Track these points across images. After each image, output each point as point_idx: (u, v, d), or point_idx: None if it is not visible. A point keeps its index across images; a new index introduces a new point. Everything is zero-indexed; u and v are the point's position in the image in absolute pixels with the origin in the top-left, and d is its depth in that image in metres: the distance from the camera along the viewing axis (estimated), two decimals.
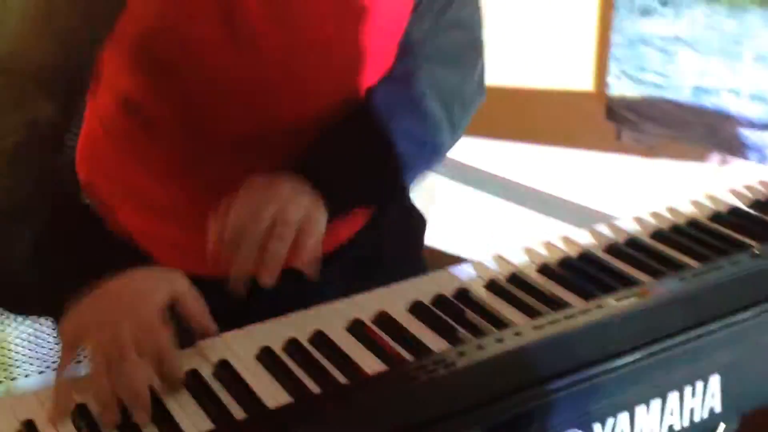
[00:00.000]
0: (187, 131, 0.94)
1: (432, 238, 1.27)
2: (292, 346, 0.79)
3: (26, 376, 1.88)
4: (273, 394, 0.73)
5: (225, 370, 0.75)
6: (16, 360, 1.87)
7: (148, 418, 0.69)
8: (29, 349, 1.88)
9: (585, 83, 1.81)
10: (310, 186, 0.87)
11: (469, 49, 1.04)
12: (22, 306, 0.87)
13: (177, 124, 0.93)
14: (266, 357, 0.77)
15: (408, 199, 1.13)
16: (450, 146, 1.02)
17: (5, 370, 1.87)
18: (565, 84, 1.85)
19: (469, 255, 1.70)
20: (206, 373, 0.75)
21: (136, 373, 0.70)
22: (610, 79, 1.75)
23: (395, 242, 1.09)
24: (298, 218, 0.84)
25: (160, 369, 0.73)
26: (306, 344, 0.79)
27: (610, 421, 0.71)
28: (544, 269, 0.89)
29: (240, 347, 0.78)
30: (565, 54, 1.83)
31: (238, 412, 0.71)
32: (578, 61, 1.82)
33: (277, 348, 0.78)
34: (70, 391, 0.73)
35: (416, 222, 1.16)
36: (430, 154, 1.00)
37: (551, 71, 1.87)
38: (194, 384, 0.74)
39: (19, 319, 1.84)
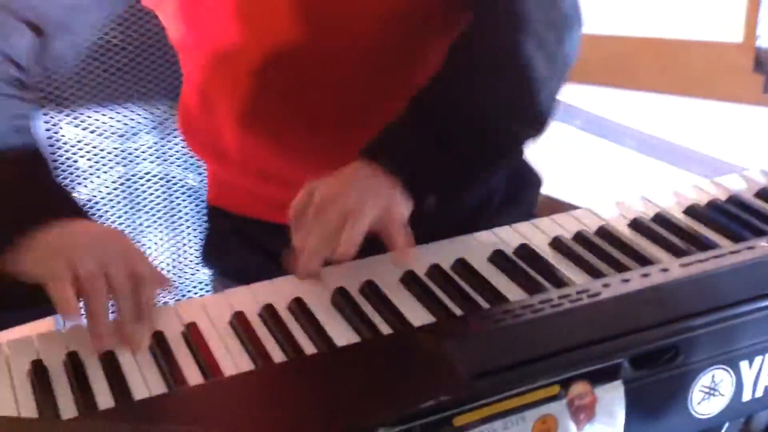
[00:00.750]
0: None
1: (566, 192, 1.26)
2: (435, 271, 0.80)
3: (163, 303, 1.97)
4: (419, 315, 0.75)
5: (371, 288, 0.78)
6: None
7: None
8: (169, 277, 1.96)
9: (734, 35, 1.74)
10: (391, 177, 0.84)
11: None
12: None
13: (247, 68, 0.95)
14: (410, 281, 0.79)
15: (519, 160, 1.08)
16: (559, 80, 0.93)
17: None
18: (713, 35, 1.78)
19: None
20: (353, 290, 0.78)
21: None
22: (761, 30, 1.68)
23: (503, 203, 1.06)
24: (374, 213, 0.80)
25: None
26: (449, 271, 0.81)
27: (757, 359, 0.70)
28: (691, 211, 0.87)
29: (386, 269, 0.81)
30: (714, 4, 1.77)
31: (383, 327, 0.73)
32: (728, 12, 1.75)
33: (420, 273, 0.80)
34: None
35: (528, 183, 1.11)
36: (534, 101, 0.92)
37: (699, 22, 1.80)
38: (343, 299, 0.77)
39: (159, 246, 1.92)
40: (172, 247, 1.93)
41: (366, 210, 0.80)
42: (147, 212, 1.89)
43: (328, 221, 0.80)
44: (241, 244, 1.08)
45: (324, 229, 0.79)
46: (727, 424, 0.75)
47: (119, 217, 1.86)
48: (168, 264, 1.94)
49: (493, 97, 0.89)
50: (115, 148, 1.82)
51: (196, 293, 1.98)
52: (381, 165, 0.84)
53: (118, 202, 1.87)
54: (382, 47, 0.94)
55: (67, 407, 0.64)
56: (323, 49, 0.93)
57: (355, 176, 0.84)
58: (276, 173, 1.00)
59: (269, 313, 0.74)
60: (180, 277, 1.96)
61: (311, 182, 0.84)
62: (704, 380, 0.69)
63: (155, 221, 1.90)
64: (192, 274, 1.97)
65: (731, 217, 0.85)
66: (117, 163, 1.84)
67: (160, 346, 0.70)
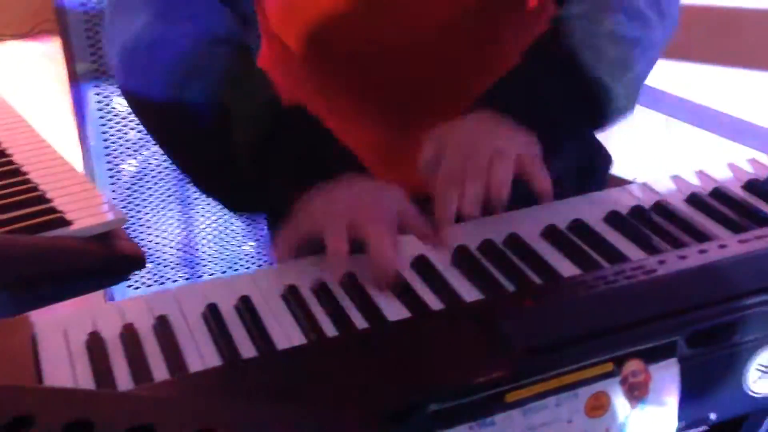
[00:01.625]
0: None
1: (621, 167, 1.24)
2: (485, 247, 0.80)
3: (211, 275, 2.00)
4: (468, 291, 0.74)
5: (423, 263, 0.78)
6: (202, 260, 1.99)
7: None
8: (215, 249, 1.98)
9: None
10: (517, 123, 0.86)
11: None
12: (241, 199, 0.91)
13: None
14: (462, 257, 0.79)
15: (593, 137, 1.09)
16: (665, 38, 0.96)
17: (192, 268, 1.99)
18: (766, 3, 1.74)
19: None
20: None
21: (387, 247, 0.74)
22: None
23: (574, 180, 1.06)
24: (516, 153, 0.82)
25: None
26: (501, 246, 0.80)
27: None
28: (751, 186, 0.85)
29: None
30: None
31: (435, 304, 0.73)
32: None
33: (472, 248, 0.80)
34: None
35: (601, 160, 1.12)
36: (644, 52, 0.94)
37: None
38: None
39: (207, 219, 1.94)
40: (219, 219, 1.95)
41: (510, 149, 0.80)
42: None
43: (477, 163, 0.79)
44: None
45: (475, 171, 0.79)
46: None
47: (168, 189, 1.89)
48: (215, 236, 1.96)
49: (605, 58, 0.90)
50: None
51: (242, 266, 2.00)
52: (509, 112, 0.85)
53: (168, 174, 1.89)
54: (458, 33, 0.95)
55: (124, 379, 0.65)
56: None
57: (486, 121, 0.85)
58: None
59: (322, 289, 0.74)
60: (226, 249, 1.98)
61: (434, 132, 0.84)
62: (761, 359, 0.68)
63: (202, 193, 1.93)
64: (239, 246, 1.99)
65: None
66: None
67: (214, 318, 0.70)
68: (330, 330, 0.69)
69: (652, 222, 0.81)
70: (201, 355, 0.66)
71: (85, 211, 0.84)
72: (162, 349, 0.67)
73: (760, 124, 1.78)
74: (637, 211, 0.83)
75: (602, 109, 0.91)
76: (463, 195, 0.80)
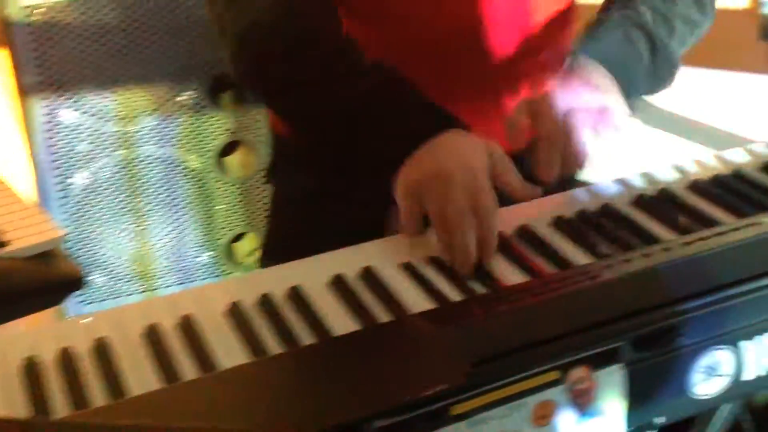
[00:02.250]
0: None
1: None
2: (433, 260, 0.79)
3: (168, 287, 1.97)
4: (416, 301, 0.74)
5: (370, 275, 0.77)
6: (158, 272, 1.96)
7: (471, 273, 0.76)
8: (171, 261, 1.96)
9: (739, 1, 1.72)
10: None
11: None
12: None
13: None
14: (408, 268, 0.78)
15: None
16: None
17: (148, 281, 1.96)
18: (718, 2, 1.75)
19: None
20: (350, 276, 0.77)
21: (468, 240, 0.76)
22: None
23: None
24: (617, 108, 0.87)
25: (481, 230, 0.78)
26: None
27: (758, 339, 0.69)
28: (695, 186, 0.86)
29: (380, 256, 0.79)
30: None
31: (382, 316, 0.72)
32: None
33: (418, 260, 0.79)
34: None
35: None
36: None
37: None
38: None
39: (162, 230, 1.92)
40: (174, 231, 1.92)
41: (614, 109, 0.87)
42: (148, 195, 1.89)
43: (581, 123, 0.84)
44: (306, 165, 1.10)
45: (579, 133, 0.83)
46: (728, 405, 0.74)
47: (120, 201, 1.86)
48: (170, 248, 1.94)
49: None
50: (116, 132, 1.81)
51: (199, 277, 1.98)
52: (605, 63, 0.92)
53: (120, 186, 1.86)
54: None
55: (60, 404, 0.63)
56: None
57: (585, 75, 0.90)
58: None
59: (267, 304, 0.73)
60: (182, 260, 1.96)
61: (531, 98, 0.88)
62: (705, 361, 0.68)
63: (157, 204, 1.90)
64: (195, 257, 1.97)
65: (735, 192, 0.84)
66: (118, 146, 1.83)
67: (154, 338, 0.69)
68: (274, 347, 0.68)
69: (599, 225, 0.81)
70: (142, 377, 0.65)
71: (23, 231, 0.82)
72: (101, 373, 0.66)
73: (709, 123, 1.80)
74: (583, 215, 0.83)
75: (667, 76, 1.01)
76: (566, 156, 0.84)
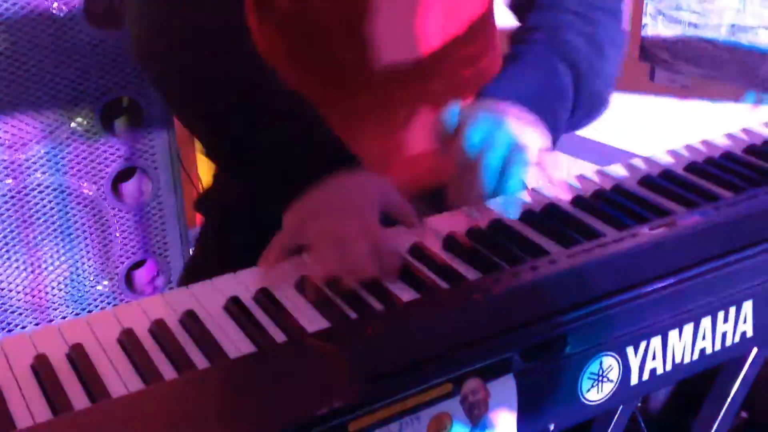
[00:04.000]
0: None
1: None
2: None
3: (63, 317, 1.92)
4: (311, 320, 0.74)
5: (265, 296, 0.77)
6: (53, 303, 1.91)
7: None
8: (67, 291, 1.91)
9: None
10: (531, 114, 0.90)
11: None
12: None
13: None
14: (306, 286, 0.79)
15: None
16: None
17: (42, 312, 1.91)
18: None
19: None
20: (247, 298, 0.77)
21: (363, 256, 0.77)
22: (646, 19, 1.73)
23: None
24: (535, 144, 0.87)
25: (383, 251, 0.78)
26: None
27: (642, 344, 0.72)
28: (578, 201, 0.89)
29: (280, 278, 0.80)
30: None
31: (278, 335, 0.72)
32: None
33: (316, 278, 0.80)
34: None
35: None
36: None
37: None
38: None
39: (56, 260, 1.87)
40: (69, 260, 1.88)
41: (533, 143, 0.86)
42: (41, 225, 1.84)
43: (495, 153, 0.84)
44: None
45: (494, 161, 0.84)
46: (620, 408, 0.77)
47: (11, 231, 1.80)
48: (65, 277, 1.89)
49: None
50: (4, 160, 1.76)
51: (96, 306, 1.93)
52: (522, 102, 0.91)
53: (10, 216, 1.81)
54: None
55: None
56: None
57: (506, 108, 0.89)
58: None
59: (161, 329, 0.72)
60: (79, 290, 1.91)
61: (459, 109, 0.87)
62: (592, 367, 0.71)
63: (50, 233, 1.85)
64: (92, 287, 1.92)
65: (616, 205, 0.88)
66: (6, 175, 1.78)
67: (44, 368, 0.67)
68: (169, 372, 0.68)
69: (488, 240, 0.84)
70: (29, 409, 0.64)
71: None
72: None
73: (594, 139, 1.87)
74: (475, 231, 0.86)
75: (595, 109, 1.02)
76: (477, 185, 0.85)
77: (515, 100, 0.91)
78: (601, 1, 1.00)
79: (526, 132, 0.88)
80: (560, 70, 0.96)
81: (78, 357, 0.68)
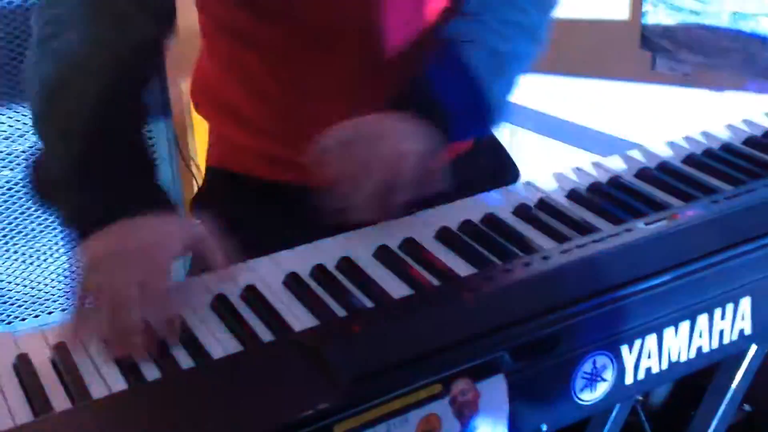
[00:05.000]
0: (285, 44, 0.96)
1: None
2: (318, 271, 0.79)
3: (63, 310, 1.91)
4: (299, 318, 0.73)
5: (252, 293, 0.76)
6: (52, 295, 1.90)
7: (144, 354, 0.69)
8: (66, 284, 1.90)
9: (620, 12, 1.77)
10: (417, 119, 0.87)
11: None
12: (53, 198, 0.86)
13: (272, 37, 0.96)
14: (293, 282, 0.77)
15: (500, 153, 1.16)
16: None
17: (42, 304, 1.90)
18: (600, 13, 1.81)
19: None
20: (233, 296, 0.76)
21: (130, 320, 0.70)
22: (646, 7, 1.71)
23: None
24: (417, 149, 0.83)
25: (161, 314, 0.72)
26: (333, 270, 0.79)
27: (637, 343, 0.71)
28: (573, 195, 0.88)
29: (268, 273, 0.78)
30: None
31: (265, 334, 0.71)
32: None
33: (304, 274, 0.79)
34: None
35: (509, 172, 1.15)
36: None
37: (587, 1, 1.83)
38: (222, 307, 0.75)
39: (54, 252, 1.86)
40: (68, 252, 1.87)
41: (413, 149, 0.83)
42: (39, 216, 1.83)
43: (380, 163, 0.81)
44: (235, 201, 1.07)
45: (379, 172, 0.81)
46: (620, 408, 0.76)
47: (9, 223, 1.80)
48: (65, 269, 1.88)
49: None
50: (2, 151, 1.75)
51: None
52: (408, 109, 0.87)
53: (8, 208, 1.80)
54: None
55: None
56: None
57: (388, 117, 0.86)
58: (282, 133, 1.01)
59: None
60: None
61: (334, 128, 0.84)
62: (586, 367, 0.69)
63: (48, 225, 1.84)
64: None
65: (612, 199, 0.86)
66: (4, 166, 1.77)
67: (26, 370, 0.66)
68: (153, 373, 0.66)
69: (482, 236, 0.82)
70: (10, 410, 0.62)
71: None
72: None
73: (595, 129, 1.85)
74: (468, 225, 0.84)
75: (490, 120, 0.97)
76: (362, 195, 0.80)
77: (415, 107, 0.88)
78: (518, 19, 0.98)
79: (406, 141, 0.84)
80: (461, 78, 0.93)
81: (61, 358, 0.67)
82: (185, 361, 0.68)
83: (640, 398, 0.84)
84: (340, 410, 0.60)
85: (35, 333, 0.70)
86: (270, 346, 0.69)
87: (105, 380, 0.66)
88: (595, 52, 1.84)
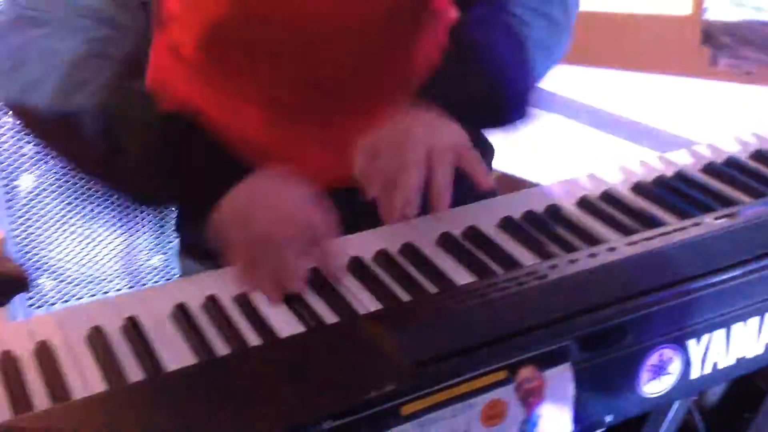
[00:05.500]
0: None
1: (519, 169, 1.25)
2: (381, 256, 0.79)
3: (118, 290, 1.94)
4: (363, 301, 0.73)
5: (316, 276, 0.76)
6: (108, 275, 1.93)
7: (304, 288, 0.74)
8: (121, 264, 1.93)
9: (682, 7, 1.75)
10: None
11: None
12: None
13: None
14: (357, 266, 0.78)
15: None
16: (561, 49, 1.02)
17: (98, 284, 1.93)
18: (661, 8, 1.78)
19: None
20: None
21: (287, 262, 0.74)
22: (708, 2, 1.69)
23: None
24: (453, 142, 0.83)
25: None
26: (395, 255, 0.80)
27: (705, 337, 0.70)
28: (639, 188, 0.87)
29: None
30: None
31: (329, 317, 0.72)
32: None
33: (368, 258, 0.79)
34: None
35: (486, 149, 1.14)
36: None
37: None
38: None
39: (111, 233, 1.89)
40: (125, 234, 1.89)
41: (447, 144, 0.82)
42: (96, 198, 1.86)
43: (415, 162, 0.80)
44: None
45: (413, 171, 0.80)
46: (677, 403, 0.75)
47: (68, 204, 1.83)
48: (120, 251, 1.91)
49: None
50: None
51: (150, 280, 1.95)
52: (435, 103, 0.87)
53: (67, 189, 1.83)
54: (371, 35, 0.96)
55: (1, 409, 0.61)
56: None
57: (416, 116, 0.86)
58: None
59: (213, 306, 0.72)
60: (133, 264, 1.93)
61: (366, 140, 0.84)
62: (652, 359, 0.69)
63: (105, 207, 1.87)
64: (146, 260, 1.94)
65: (678, 193, 0.85)
66: None
67: (99, 340, 0.68)
68: (221, 349, 0.67)
69: (545, 226, 0.82)
70: (84, 379, 0.64)
71: None
72: (43, 375, 0.64)
73: (653, 125, 1.83)
74: (530, 215, 0.84)
75: (518, 113, 0.97)
76: (402, 196, 0.80)
77: (441, 101, 0.88)
78: (539, 6, 0.98)
79: (440, 135, 0.84)
80: (488, 68, 0.93)
81: (131, 329, 0.69)
82: (252, 338, 0.69)
83: (695, 398, 0.83)
84: (407, 392, 0.61)
85: (106, 303, 0.72)
86: (335, 327, 0.70)
87: (178, 353, 0.67)
88: (655, 47, 1.82)
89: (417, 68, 0.96)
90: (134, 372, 0.65)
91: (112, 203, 1.85)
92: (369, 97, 0.97)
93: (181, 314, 0.71)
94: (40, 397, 0.62)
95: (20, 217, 1.77)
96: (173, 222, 1.90)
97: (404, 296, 0.74)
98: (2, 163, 1.75)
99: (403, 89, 0.94)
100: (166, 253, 1.98)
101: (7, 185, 1.74)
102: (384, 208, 0.81)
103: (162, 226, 1.91)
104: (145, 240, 1.91)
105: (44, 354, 0.66)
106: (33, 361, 0.66)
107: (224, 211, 0.81)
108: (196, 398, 0.61)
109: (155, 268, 1.96)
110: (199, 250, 1.06)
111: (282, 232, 0.77)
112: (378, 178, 0.82)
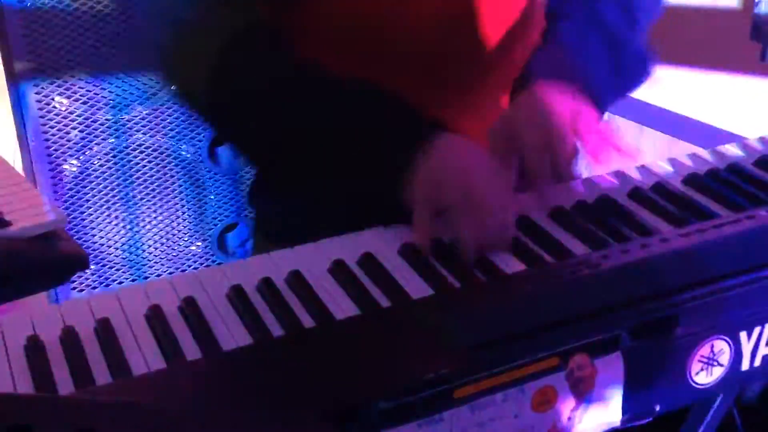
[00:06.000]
0: None
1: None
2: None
3: (158, 276, 1.97)
4: (415, 287, 0.74)
5: (369, 261, 0.77)
6: (148, 261, 1.96)
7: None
8: (161, 250, 1.96)
9: (732, 1, 1.73)
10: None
11: None
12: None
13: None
14: (410, 252, 0.79)
15: None
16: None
17: (139, 269, 1.96)
18: (711, 2, 1.77)
19: None
20: (351, 262, 0.77)
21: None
22: None
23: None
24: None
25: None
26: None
27: (756, 330, 0.70)
28: (691, 180, 0.87)
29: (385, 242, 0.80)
30: None
31: (382, 300, 0.72)
32: None
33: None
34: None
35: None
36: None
37: None
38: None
39: (152, 219, 1.92)
40: (166, 219, 1.92)
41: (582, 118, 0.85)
42: (140, 184, 1.89)
43: (559, 131, 0.83)
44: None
45: (561, 138, 0.83)
46: (720, 397, 0.75)
47: (112, 189, 1.86)
48: (161, 236, 1.94)
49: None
50: (108, 120, 1.81)
51: (189, 266, 1.98)
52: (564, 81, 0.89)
53: (111, 174, 1.86)
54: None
55: (64, 382, 0.63)
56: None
57: (548, 93, 0.87)
58: None
59: (268, 288, 0.73)
60: (173, 249, 1.96)
61: (499, 120, 0.87)
62: (703, 350, 0.69)
63: (148, 193, 1.90)
64: (186, 246, 1.96)
65: (731, 186, 0.85)
66: (109, 134, 1.83)
67: (158, 319, 0.69)
68: (276, 330, 0.69)
69: (596, 216, 0.82)
70: (144, 357, 0.65)
71: (25, 212, 0.82)
72: (104, 352, 0.66)
73: (701, 121, 1.81)
74: (581, 206, 0.84)
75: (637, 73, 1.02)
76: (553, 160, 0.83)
77: (558, 77, 0.89)
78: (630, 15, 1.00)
79: (577, 101, 0.86)
80: (598, 40, 0.96)
81: (189, 309, 0.70)
82: (307, 320, 0.70)
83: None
84: (460, 376, 0.61)
85: (164, 283, 0.73)
86: (389, 311, 0.70)
87: (232, 334, 0.68)
88: (703, 41, 1.80)
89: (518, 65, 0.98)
90: (191, 350, 0.66)
91: (155, 189, 1.88)
92: (481, 93, 0.99)
93: (237, 295, 0.72)
94: (101, 373, 0.64)
95: (65, 201, 1.80)
96: (212, 209, 1.92)
97: (455, 283, 0.74)
98: (49, 147, 1.79)
99: (505, 86, 0.97)
100: (205, 240, 2.00)
101: (54, 169, 1.78)
102: (540, 172, 0.83)
103: (202, 213, 1.94)
104: (185, 226, 1.94)
105: (105, 331, 0.68)
106: (94, 337, 0.67)
107: (430, 175, 0.82)
108: (252, 377, 0.62)
109: (194, 254, 1.99)
110: (272, 226, 1.07)
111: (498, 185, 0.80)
112: (527, 150, 0.84)
